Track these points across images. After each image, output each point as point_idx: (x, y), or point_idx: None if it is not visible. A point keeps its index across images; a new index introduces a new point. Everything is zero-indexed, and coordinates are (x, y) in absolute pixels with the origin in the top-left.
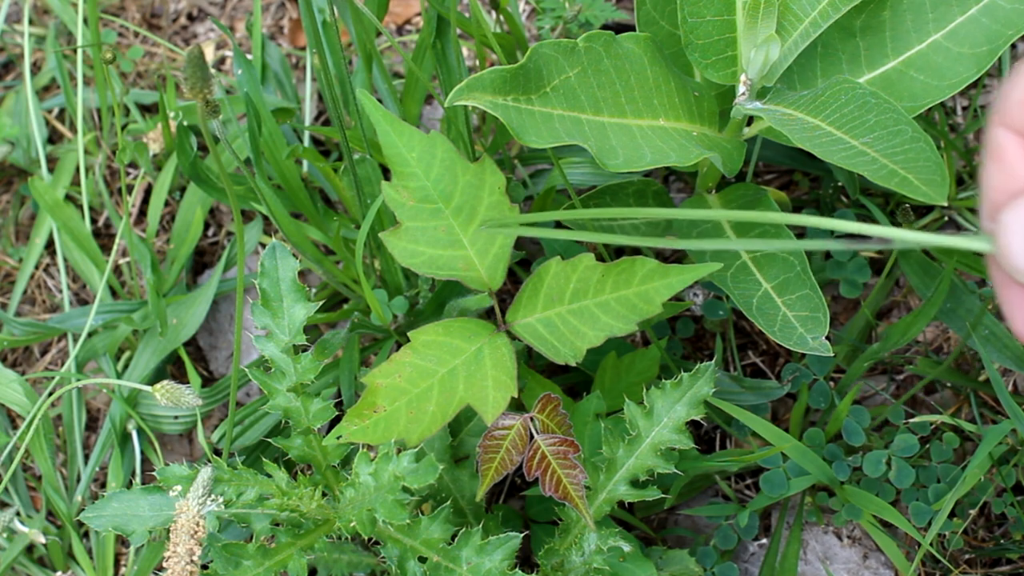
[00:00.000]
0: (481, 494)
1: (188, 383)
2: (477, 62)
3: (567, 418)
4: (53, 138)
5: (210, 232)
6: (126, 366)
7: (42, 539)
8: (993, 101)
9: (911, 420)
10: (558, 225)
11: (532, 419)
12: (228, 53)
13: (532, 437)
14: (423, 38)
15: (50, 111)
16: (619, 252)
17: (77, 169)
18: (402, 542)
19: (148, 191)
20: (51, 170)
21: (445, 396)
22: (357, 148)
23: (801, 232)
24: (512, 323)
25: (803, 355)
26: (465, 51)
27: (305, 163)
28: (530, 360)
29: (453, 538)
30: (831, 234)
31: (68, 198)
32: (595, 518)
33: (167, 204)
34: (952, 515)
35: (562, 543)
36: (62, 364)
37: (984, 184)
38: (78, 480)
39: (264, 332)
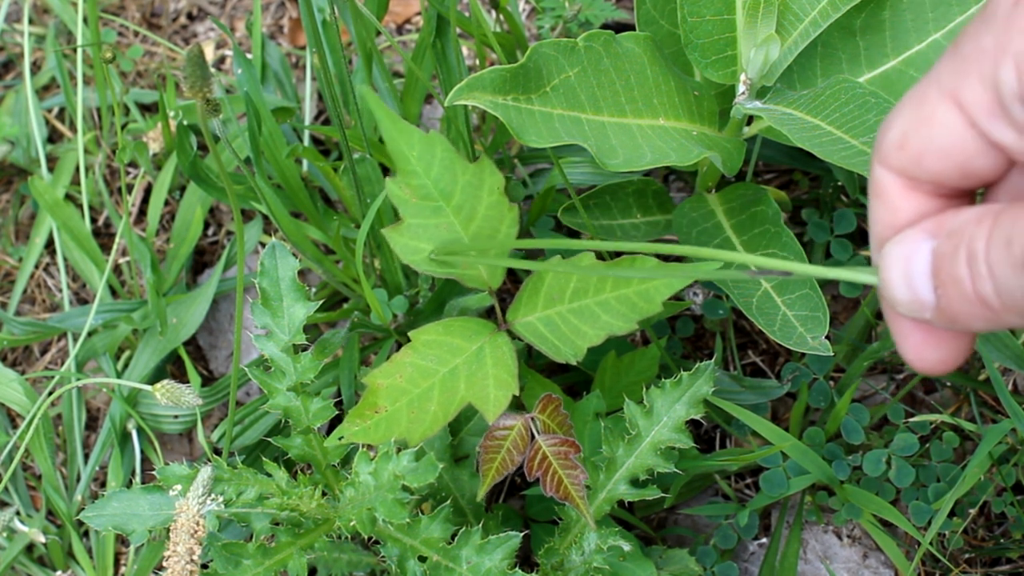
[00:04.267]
0: (482, 494)
1: (188, 382)
2: (477, 62)
3: (568, 418)
4: (53, 137)
5: (210, 231)
6: (126, 365)
7: (42, 538)
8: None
9: (911, 419)
10: (557, 227)
11: (533, 419)
12: (228, 52)
13: (533, 437)
14: (423, 37)
15: (50, 110)
16: (619, 251)
17: (77, 168)
18: (402, 541)
19: (148, 190)
20: (51, 169)
21: (446, 395)
22: (357, 147)
23: (801, 233)
24: (513, 322)
25: (803, 354)
26: (465, 51)
27: (305, 162)
28: (530, 359)
29: (453, 537)
30: (830, 230)
31: (68, 197)
32: (595, 517)
33: (167, 203)
34: (952, 514)
35: (562, 542)
36: (62, 363)
37: (870, 220)
38: (78, 479)
39: (264, 331)
